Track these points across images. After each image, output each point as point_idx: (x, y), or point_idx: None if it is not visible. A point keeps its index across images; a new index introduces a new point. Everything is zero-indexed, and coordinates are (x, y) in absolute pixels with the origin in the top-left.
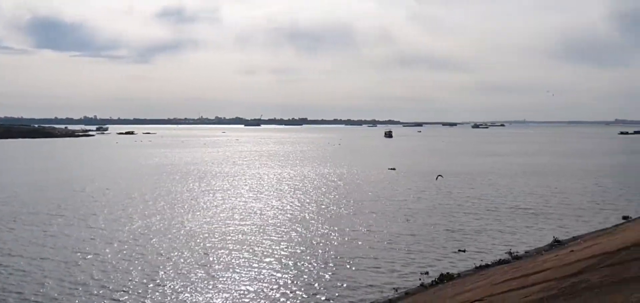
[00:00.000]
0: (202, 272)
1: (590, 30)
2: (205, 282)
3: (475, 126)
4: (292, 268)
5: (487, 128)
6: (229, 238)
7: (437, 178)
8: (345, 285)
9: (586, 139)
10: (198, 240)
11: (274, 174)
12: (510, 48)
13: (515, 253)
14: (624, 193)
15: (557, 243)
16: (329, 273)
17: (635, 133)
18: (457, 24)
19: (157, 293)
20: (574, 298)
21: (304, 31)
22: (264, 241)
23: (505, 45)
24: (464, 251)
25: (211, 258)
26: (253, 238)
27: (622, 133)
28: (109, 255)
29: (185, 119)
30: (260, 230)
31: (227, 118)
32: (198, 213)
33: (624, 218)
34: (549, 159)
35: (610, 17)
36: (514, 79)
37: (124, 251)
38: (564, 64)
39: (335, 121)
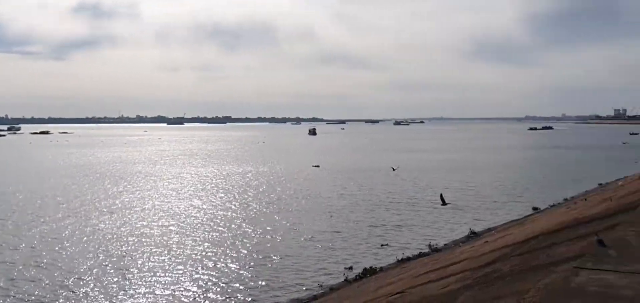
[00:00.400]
0: (119, 275)
1: (502, 31)
2: (121, 286)
3: (397, 123)
4: (214, 269)
5: (408, 124)
6: (148, 239)
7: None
8: (269, 284)
9: (499, 135)
10: (114, 243)
11: (197, 174)
12: (428, 47)
13: (434, 246)
14: (533, 185)
15: (473, 235)
16: (253, 273)
17: (543, 128)
18: (378, 23)
19: (68, 300)
20: (487, 287)
21: (225, 28)
22: (184, 242)
23: (423, 44)
24: (387, 245)
25: (128, 261)
26: (173, 239)
27: (531, 128)
28: (18, 261)
29: (105, 118)
30: (181, 231)
31: (149, 116)
32: (115, 215)
33: (534, 209)
34: (465, 154)
35: (519, 19)
36: (432, 77)
37: (34, 257)
38: (478, 62)
39: (259, 119)
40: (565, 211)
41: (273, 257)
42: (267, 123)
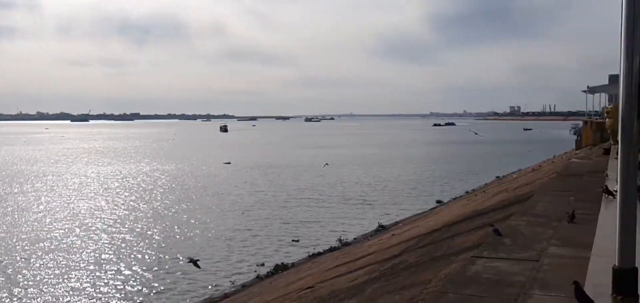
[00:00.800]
0: (9, 283)
1: (408, 32)
2: (13, 294)
3: (308, 119)
4: (119, 273)
5: (319, 121)
6: (45, 244)
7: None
8: (179, 285)
9: (405, 131)
10: (5, 248)
11: (102, 173)
12: (336, 45)
13: (344, 240)
14: (437, 179)
15: (381, 228)
16: (161, 275)
17: (446, 124)
18: (288, 20)
19: None
20: (394, 278)
21: (133, 22)
22: (86, 245)
23: (332, 42)
24: (298, 241)
25: (21, 267)
26: (74, 242)
27: (435, 124)
28: None
29: (1, 114)
30: (82, 234)
31: (51, 113)
32: (8, 218)
33: (438, 202)
34: (373, 150)
35: (423, 19)
36: (342, 75)
37: None
38: (385, 61)
39: (169, 116)
40: (466, 203)
41: (182, 258)
42: (177, 120)
